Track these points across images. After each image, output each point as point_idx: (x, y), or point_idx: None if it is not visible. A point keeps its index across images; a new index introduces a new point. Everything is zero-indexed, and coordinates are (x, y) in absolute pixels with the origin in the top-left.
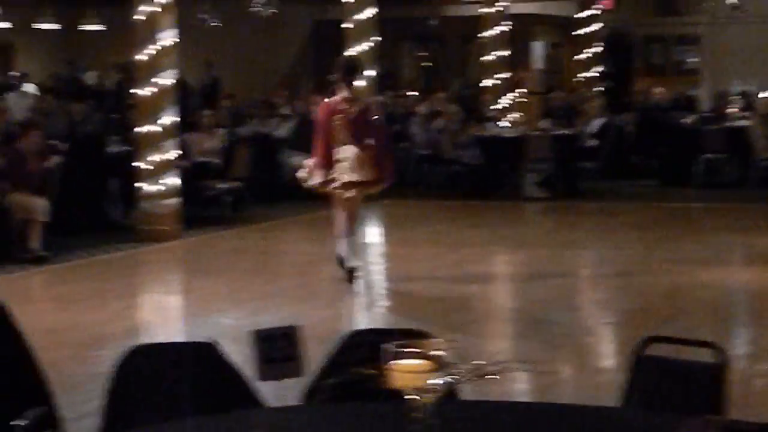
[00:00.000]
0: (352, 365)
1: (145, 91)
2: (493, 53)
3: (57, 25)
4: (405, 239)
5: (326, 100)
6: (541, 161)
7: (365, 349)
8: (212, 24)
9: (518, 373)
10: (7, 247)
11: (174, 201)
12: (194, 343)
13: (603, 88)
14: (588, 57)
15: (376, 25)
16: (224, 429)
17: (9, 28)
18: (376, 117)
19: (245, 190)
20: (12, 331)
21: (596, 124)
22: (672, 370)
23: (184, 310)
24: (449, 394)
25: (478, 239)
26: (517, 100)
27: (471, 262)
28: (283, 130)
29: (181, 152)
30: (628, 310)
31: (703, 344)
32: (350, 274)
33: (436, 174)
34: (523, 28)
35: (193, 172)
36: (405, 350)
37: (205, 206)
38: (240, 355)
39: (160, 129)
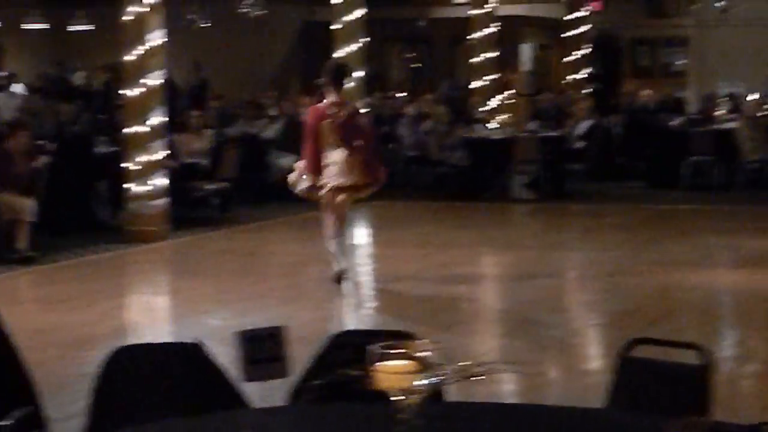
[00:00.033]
0: (337, 366)
1: (134, 92)
2: (481, 55)
3: (45, 25)
4: (392, 240)
5: (315, 104)
6: (528, 163)
7: (351, 350)
8: (201, 25)
9: (505, 375)
10: None
11: (162, 202)
12: (180, 343)
13: (591, 90)
14: (576, 59)
15: (365, 26)
16: (210, 430)
17: None
18: (364, 120)
19: (233, 190)
20: None
21: (584, 126)
22: (657, 371)
23: (172, 310)
24: (435, 395)
25: (465, 240)
26: (505, 101)
27: (458, 263)
28: (271, 131)
29: (169, 153)
30: (615, 312)
31: (688, 346)
32: (338, 276)
33: (423, 175)
34: (512, 29)
35: (181, 172)
36: (390, 351)
37: (193, 207)
38: (227, 356)
39: (148, 130)
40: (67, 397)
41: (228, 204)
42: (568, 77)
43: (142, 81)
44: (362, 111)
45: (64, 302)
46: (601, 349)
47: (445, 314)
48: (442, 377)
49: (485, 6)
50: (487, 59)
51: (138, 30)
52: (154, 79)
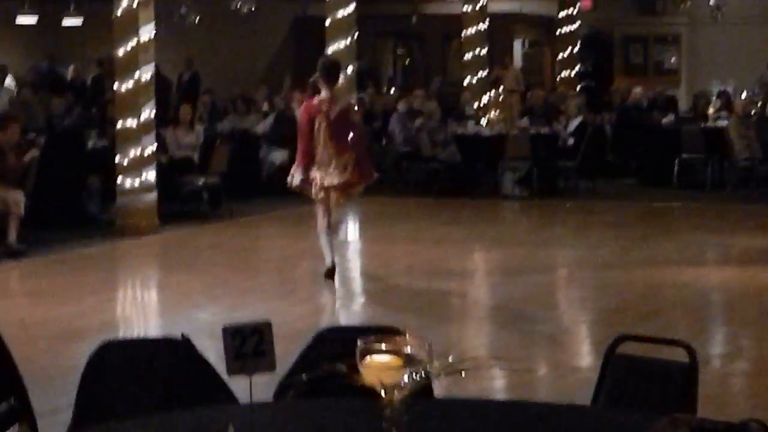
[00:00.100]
0: (324, 361)
1: (124, 86)
2: (472, 51)
3: (36, 18)
4: (383, 236)
5: (307, 101)
6: (519, 160)
7: (338, 346)
8: (192, 20)
9: (494, 371)
10: None
11: (152, 196)
12: (167, 338)
13: (582, 88)
14: (568, 56)
15: (357, 22)
16: (195, 424)
17: None
18: (356, 117)
19: (224, 185)
20: None
21: (575, 123)
22: (642, 368)
23: (161, 305)
24: (424, 391)
25: (456, 237)
26: (496, 98)
27: (449, 259)
28: (262, 126)
29: (159, 147)
30: (605, 309)
31: (673, 343)
32: (330, 270)
33: (415, 171)
34: (504, 26)
35: (171, 167)
36: (377, 346)
37: (183, 202)
38: (216, 350)
39: (138, 124)
40: (55, 390)
41: (218, 199)
42: (559, 74)
43: (132, 75)
44: (355, 108)
45: (53, 296)
46: (590, 345)
47: (436, 310)
48: (428, 373)
49: (477, 3)
50: (479, 56)
51: (129, 24)
52: (145, 74)
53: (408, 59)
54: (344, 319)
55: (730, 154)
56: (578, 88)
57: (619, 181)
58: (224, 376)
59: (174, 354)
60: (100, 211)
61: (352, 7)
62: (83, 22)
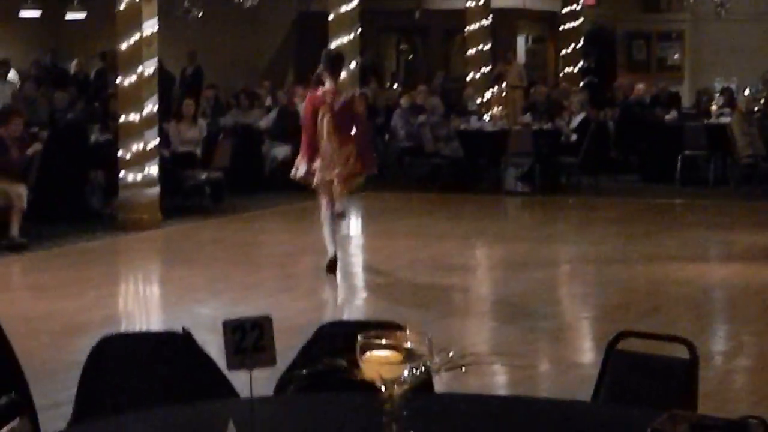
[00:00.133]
0: (325, 356)
1: (127, 81)
2: (476, 47)
3: (39, 12)
4: (385, 231)
5: (311, 92)
6: (522, 155)
7: (339, 340)
8: (195, 14)
9: (495, 366)
10: None
11: (154, 190)
12: (167, 332)
13: (585, 84)
14: (571, 52)
15: (360, 17)
16: (196, 418)
17: None
18: (360, 109)
19: (226, 180)
20: None
21: (577, 119)
22: (643, 364)
23: (163, 299)
24: (424, 386)
25: (458, 232)
26: (499, 94)
27: (451, 254)
28: (265, 121)
29: (162, 142)
30: (606, 305)
31: (673, 339)
32: (331, 263)
33: (417, 167)
34: (507, 22)
35: (174, 161)
36: (378, 341)
37: (185, 196)
38: (217, 345)
39: (141, 118)
40: (56, 385)
41: (221, 194)
42: (563, 70)
43: (135, 70)
44: (359, 99)
45: (55, 290)
46: (592, 341)
47: (438, 305)
48: (428, 368)
49: None
50: (482, 51)
51: (132, 19)
52: (148, 68)
53: (411, 55)
54: (346, 314)
55: (732, 151)
56: (581, 84)
57: (622, 178)
58: (225, 370)
59: (175, 348)
60: (102, 205)
61: (355, 3)
62: (86, 16)
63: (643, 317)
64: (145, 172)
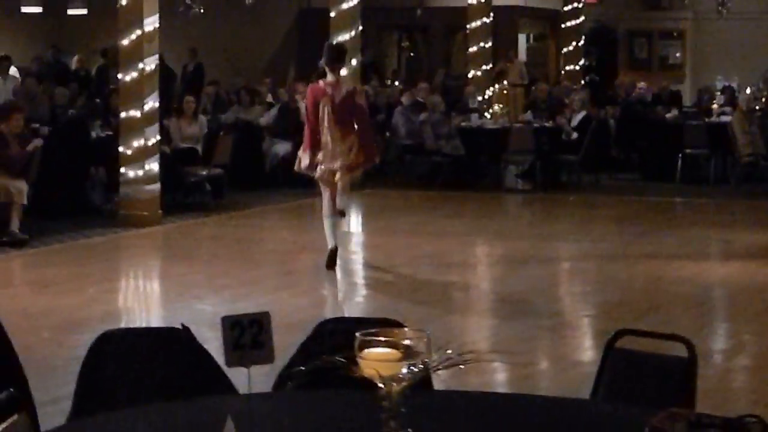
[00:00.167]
0: (324, 353)
1: (128, 77)
2: (477, 45)
3: (41, 8)
4: (386, 229)
5: (313, 84)
6: (522, 153)
7: (338, 337)
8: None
9: (495, 364)
10: None
11: (155, 187)
12: (166, 328)
13: (587, 82)
14: (573, 50)
15: (361, 14)
16: (194, 414)
17: None
18: (361, 100)
19: (226, 177)
20: None
21: (578, 117)
22: (641, 363)
23: (163, 295)
24: (423, 383)
25: (459, 230)
26: (500, 91)
27: (451, 252)
28: (266, 118)
29: (163, 138)
30: (606, 303)
31: (672, 337)
32: (331, 257)
33: (418, 164)
34: (508, 20)
35: (174, 158)
36: (376, 338)
37: (186, 193)
38: (217, 341)
39: (142, 114)
40: (56, 380)
41: (221, 190)
42: (564, 68)
43: (136, 66)
44: (360, 91)
45: (55, 285)
46: (591, 339)
47: (438, 302)
48: (427, 365)
49: None
50: (483, 49)
51: (134, 14)
52: (150, 64)
53: (412, 52)
54: (345, 311)
55: (733, 149)
56: (582, 83)
57: (622, 176)
58: (224, 366)
59: (174, 344)
60: (103, 201)
61: (356, 0)
62: (88, 12)
63: (642, 315)
64: (146, 168)
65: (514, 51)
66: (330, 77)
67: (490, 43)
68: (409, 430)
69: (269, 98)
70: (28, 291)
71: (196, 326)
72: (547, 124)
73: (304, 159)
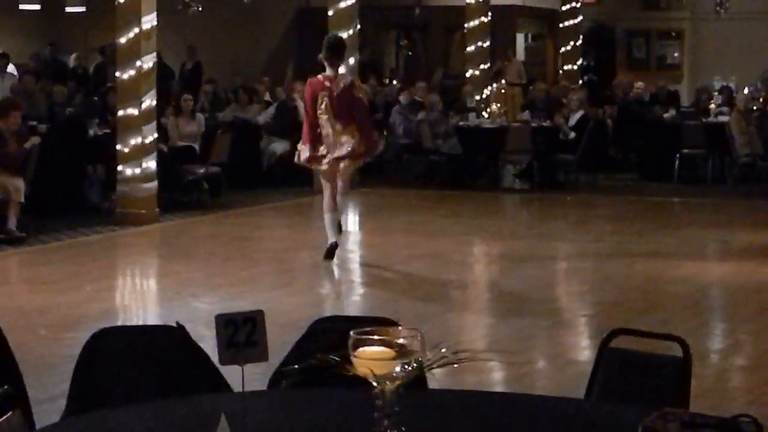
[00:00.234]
0: (318, 351)
1: (126, 75)
2: (475, 44)
3: (39, 5)
4: (383, 228)
5: (311, 78)
6: (520, 153)
7: (333, 336)
8: (195, 8)
9: (491, 363)
10: None
11: (152, 185)
12: (161, 326)
13: (585, 82)
14: (570, 50)
15: (359, 13)
16: (189, 412)
17: None
18: (360, 93)
19: (224, 175)
20: None
21: (576, 116)
22: (636, 362)
23: (160, 293)
24: (416, 382)
25: (456, 229)
26: (497, 91)
27: (448, 251)
28: (263, 117)
29: (160, 136)
30: (603, 302)
31: (666, 337)
32: (330, 250)
33: (416, 163)
34: (506, 19)
35: (172, 156)
36: (370, 337)
37: (183, 191)
38: (213, 339)
39: (140, 113)
40: (54, 378)
41: (219, 189)
42: (562, 68)
43: (134, 64)
44: (358, 85)
45: (53, 283)
46: (588, 339)
47: (434, 302)
48: (421, 364)
49: None
50: (482, 48)
51: (132, 12)
52: (147, 62)
53: (410, 51)
54: (341, 310)
55: (731, 149)
56: (580, 82)
57: (620, 176)
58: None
59: (169, 342)
60: (100, 199)
61: None
62: (86, 10)
63: (639, 315)
64: (143, 166)
65: (512, 50)
66: (329, 71)
67: (488, 43)
68: (403, 428)
69: (267, 97)
70: (25, 289)
71: (193, 324)
72: (544, 124)
73: (303, 152)
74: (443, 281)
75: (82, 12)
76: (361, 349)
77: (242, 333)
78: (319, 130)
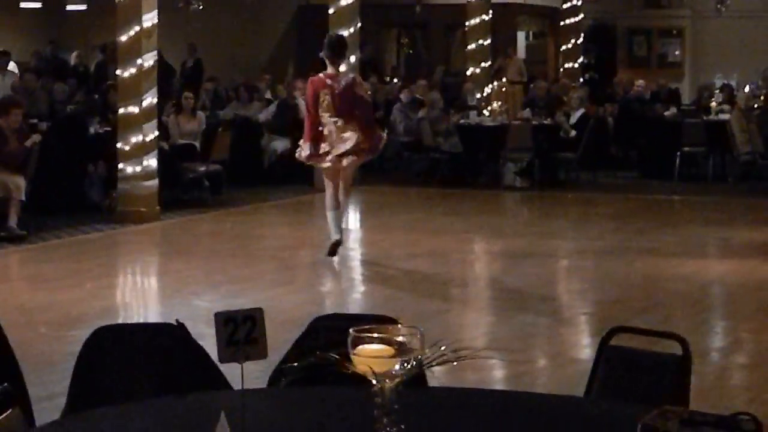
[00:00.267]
0: (318, 349)
1: (127, 72)
2: (476, 42)
3: (40, 3)
4: (383, 225)
5: (312, 75)
6: (521, 151)
7: (333, 334)
8: (196, 6)
9: (492, 361)
10: None
11: (153, 183)
12: (161, 324)
13: (585, 80)
14: (571, 48)
15: (360, 10)
16: (188, 410)
17: None
18: (361, 90)
19: (225, 173)
20: None
21: (577, 114)
22: (635, 360)
23: (161, 291)
24: (416, 380)
25: (456, 227)
26: (498, 89)
27: (449, 249)
28: (264, 114)
29: (161, 134)
30: (604, 301)
31: (666, 335)
32: (333, 247)
33: (416, 161)
34: (507, 17)
35: (172, 154)
36: (370, 335)
37: (184, 189)
38: (213, 337)
39: (140, 110)
40: (54, 376)
41: (219, 186)
42: (563, 66)
43: (135, 62)
44: (359, 82)
45: (53, 281)
46: (589, 337)
47: (434, 300)
48: (420, 362)
49: None
50: (482, 46)
51: (132, 10)
52: (148, 60)
53: (411, 49)
54: (342, 308)
55: (731, 147)
56: (581, 80)
57: (621, 174)
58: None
59: (168, 340)
60: (101, 197)
61: None
62: (87, 8)
63: (640, 313)
64: (144, 164)
65: (512, 48)
66: (330, 69)
67: (489, 41)
68: (402, 426)
69: (268, 94)
70: (26, 286)
71: (194, 322)
72: (545, 122)
73: (305, 149)
74: (444, 279)
75: (83, 10)
76: (360, 346)
77: (241, 331)
78: (320, 129)
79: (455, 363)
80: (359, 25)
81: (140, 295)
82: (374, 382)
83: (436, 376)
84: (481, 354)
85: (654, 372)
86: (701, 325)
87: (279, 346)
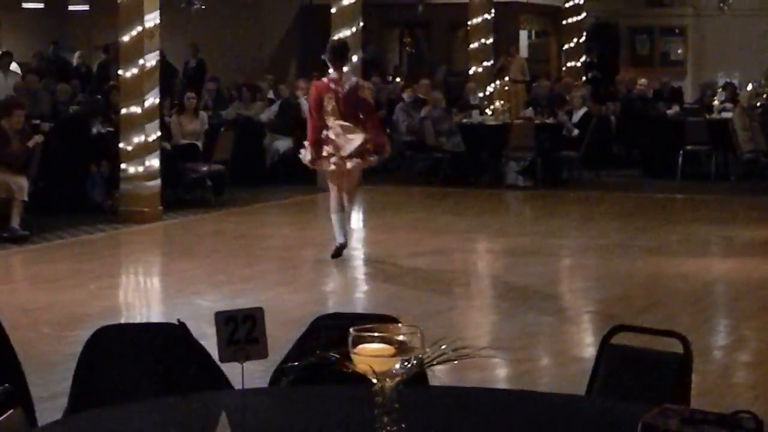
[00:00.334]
0: (319, 348)
1: (129, 73)
2: (478, 41)
3: (42, 4)
4: (386, 225)
5: (316, 79)
6: (523, 150)
7: (334, 333)
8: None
9: (495, 360)
10: None
11: (155, 183)
12: (162, 324)
13: (588, 78)
14: (574, 46)
15: (363, 10)
16: (189, 409)
17: None
18: (366, 94)
19: (227, 173)
20: None
21: (579, 113)
22: (636, 359)
23: (163, 291)
24: (417, 379)
25: (459, 226)
26: (501, 88)
27: (451, 248)
28: (267, 114)
29: (163, 134)
30: (607, 299)
31: (667, 334)
32: (337, 250)
33: (419, 161)
34: (510, 16)
35: (175, 154)
36: (370, 334)
37: (187, 189)
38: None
39: (143, 111)
40: (56, 376)
41: (222, 186)
42: (565, 65)
43: (137, 62)
44: (362, 86)
45: (56, 281)
46: (592, 335)
47: (437, 299)
48: (421, 361)
49: None
50: (485, 45)
51: (135, 10)
52: (150, 60)
53: (414, 48)
54: (344, 307)
55: (734, 146)
56: (584, 79)
57: (623, 172)
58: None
59: (170, 339)
60: (103, 197)
61: None
62: (89, 8)
63: (643, 311)
64: (147, 164)
65: (515, 47)
66: (333, 73)
67: (491, 40)
68: (403, 425)
69: (270, 94)
70: (29, 287)
71: (196, 322)
72: (548, 121)
73: (307, 154)
74: (447, 278)
75: (86, 10)
76: (360, 346)
77: (242, 330)
78: (324, 132)
79: (456, 362)
80: (362, 24)
81: (143, 295)
82: (375, 381)
83: (438, 375)
84: (482, 353)
85: (655, 370)
86: (704, 324)
87: (281, 345)
